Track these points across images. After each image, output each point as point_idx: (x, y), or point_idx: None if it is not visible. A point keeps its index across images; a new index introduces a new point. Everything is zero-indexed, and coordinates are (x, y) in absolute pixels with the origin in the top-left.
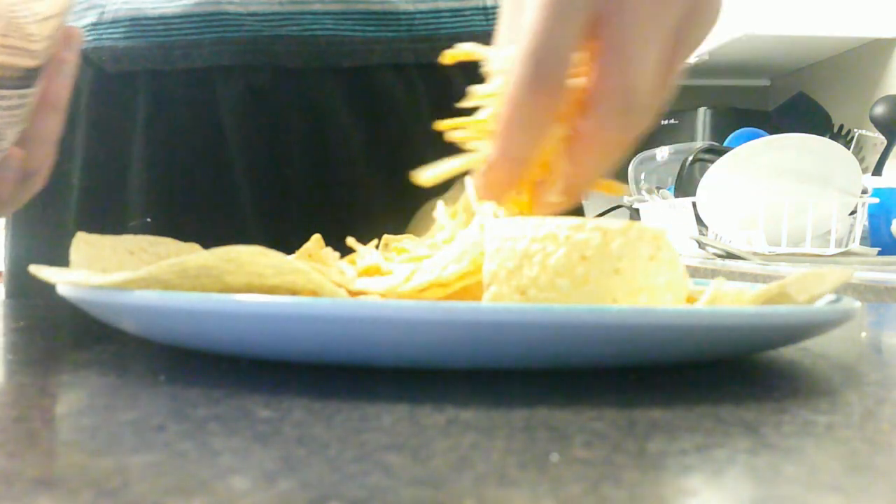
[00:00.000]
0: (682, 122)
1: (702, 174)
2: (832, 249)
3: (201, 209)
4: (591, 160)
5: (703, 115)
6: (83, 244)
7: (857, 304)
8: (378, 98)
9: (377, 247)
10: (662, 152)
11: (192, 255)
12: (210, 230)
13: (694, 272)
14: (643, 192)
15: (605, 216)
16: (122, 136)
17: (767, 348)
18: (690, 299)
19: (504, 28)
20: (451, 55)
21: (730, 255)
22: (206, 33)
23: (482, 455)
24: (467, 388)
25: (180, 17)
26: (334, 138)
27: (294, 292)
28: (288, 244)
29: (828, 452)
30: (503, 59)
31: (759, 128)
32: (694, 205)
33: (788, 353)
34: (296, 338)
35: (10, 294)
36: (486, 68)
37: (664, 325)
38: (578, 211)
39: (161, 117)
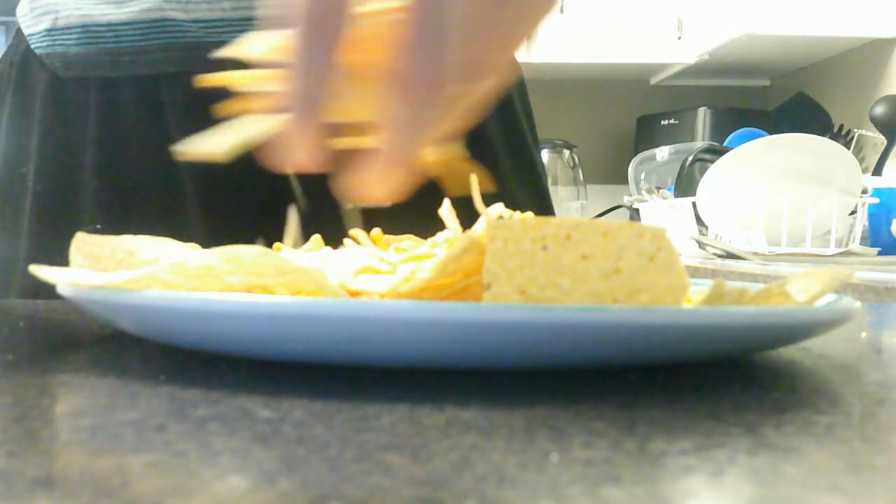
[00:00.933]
0: (682, 122)
1: (702, 174)
2: (832, 249)
3: (150, 215)
4: (412, 110)
5: (703, 115)
6: (83, 244)
7: (857, 304)
8: None
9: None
10: (662, 152)
11: (192, 256)
12: (161, 231)
13: (694, 272)
14: (643, 192)
15: (605, 216)
16: (74, 141)
17: (767, 348)
18: (688, 300)
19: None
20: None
21: (730, 255)
22: (152, 40)
23: (482, 455)
24: (467, 388)
25: (127, 24)
26: None
27: (294, 292)
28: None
29: (828, 452)
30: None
31: (759, 128)
32: (694, 205)
33: (788, 353)
34: (296, 338)
35: None
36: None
37: (664, 325)
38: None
39: (111, 123)
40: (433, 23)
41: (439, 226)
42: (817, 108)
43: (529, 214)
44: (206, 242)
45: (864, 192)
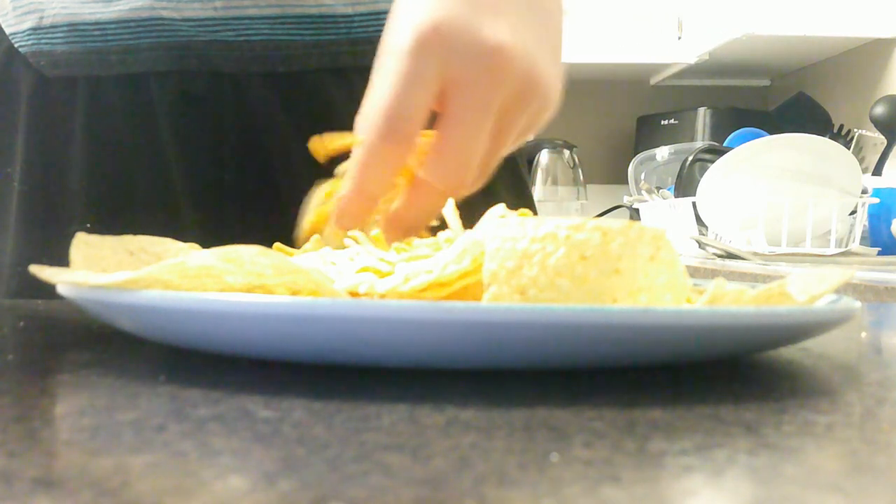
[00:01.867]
0: (682, 122)
1: (702, 174)
2: (832, 249)
3: (139, 215)
4: (419, 204)
5: (703, 115)
6: (83, 244)
7: (857, 304)
8: (316, 102)
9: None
10: (662, 152)
11: (192, 256)
12: (150, 234)
13: (694, 272)
14: (643, 192)
15: (605, 216)
16: (61, 141)
17: (767, 348)
18: (688, 300)
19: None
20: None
21: (730, 255)
22: (142, 39)
23: (482, 455)
24: (467, 388)
25: (116, 22)
26: (272, 143)
27: (294, 292)
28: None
29: (828, 452)
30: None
31: (759, 128)
32: (694, 205)
33: (788, 353)
34: (296, 338)
35: None
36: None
37: (664, 325)
38: None
39: (99, 122)
40: (464, 156)
41: (440, 226)
42: (817, 108)
43: (527, 212)
44: (199, 243)
45: (864, 192)
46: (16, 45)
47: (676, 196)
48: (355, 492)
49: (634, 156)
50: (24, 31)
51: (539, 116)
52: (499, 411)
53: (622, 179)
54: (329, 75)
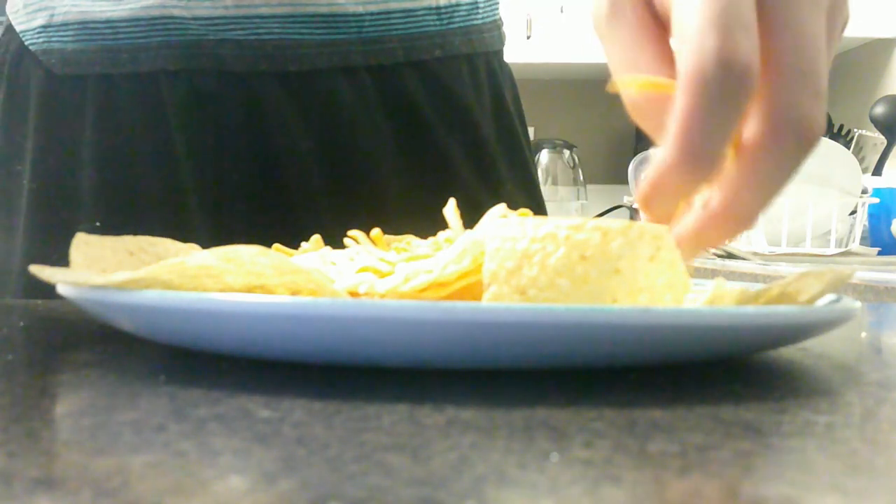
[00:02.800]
0: None
1: None
2: (832, 249)
3: (149, 213)
4: (765, 173)
5: None
6: (83, 244)
7: (857, 304)
8: (327, 102)
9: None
10: None
11: (192, 256)
12: (157, 234)
13: (694, 272)
14: None
15: (605, 216)
16: (71, 139)
17: (767, 348)
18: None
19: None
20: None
21: (730, 255)
22: (153, 37)
23: (482, 455)
24: (467, 388)
25: (127, 20)
26: (282, 143)
27: (294, 292)
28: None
29: (828, 452)
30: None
31: None
32: None
33: (788, 353)
34: (296, 338)
35: None
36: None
37: (664, 325)
38: None
39: (109, 121)
40: (815, 78)
41: (440, 225)
42: None
43: (527, 212)
44: (208, 242)
45: (864, 192)
46: (26, 43)
47: None
48: (355, 492)
49: (634, 156)
50: (34, 29)
51: (844, 27)
52: (499, 411)
53: (622, 179)
54: (340, 74)
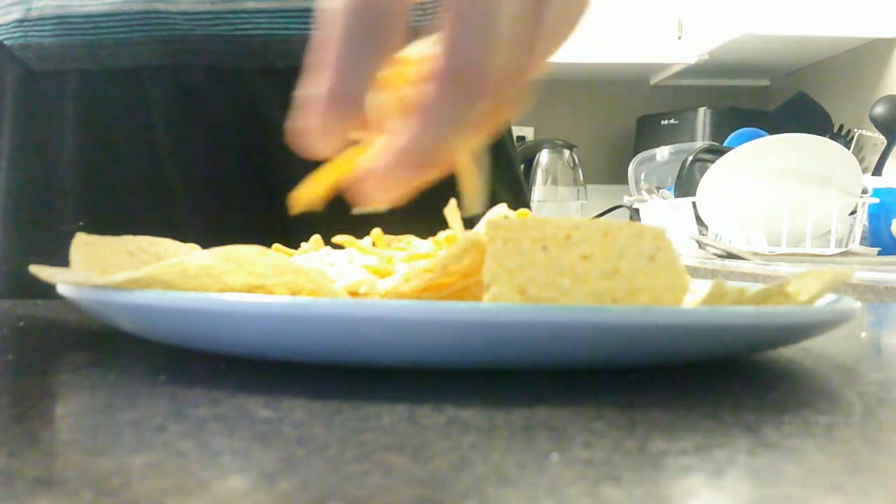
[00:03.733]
0: (682, 122)
1: (702, 174)
2: (832, 249)
3: (135, 212)
4: (431, 121)
5: (703, 115)
6: (83, 244)
7: (857, 304)
8: None
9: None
10: (662, 152)
11: (192, 256)
12: (144, 233)
13: (694, 272)
14: (643, 192)
15: (605, 216)
16: (51, 137)
17: (767, 348)
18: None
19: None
20: None
21: (730, 255)
22: (135, 32)
23: (482, 455)
24: (467, 388)
25: (108, 15)
26: (270, 140)
27: (294, 292)
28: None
29: (828, 452)
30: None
31: (759, 128)
32: (694, 205)
33: (788, 353)
34: (296, 338)
35: None
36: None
37: (664, 325)
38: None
39: (91, 118)
40: (480, 21)
41: (440, 225)
42: (817, 108)
43: (527, 212)
44: (195, 241)
45: (864, 192)
46: (1, 38)
47: (676, 196)
48: (355, 492)
49: (634, 156)
50: (9, 24)
51: (578, 9)
52: (499, 411)
53: (622, 179)
54: None
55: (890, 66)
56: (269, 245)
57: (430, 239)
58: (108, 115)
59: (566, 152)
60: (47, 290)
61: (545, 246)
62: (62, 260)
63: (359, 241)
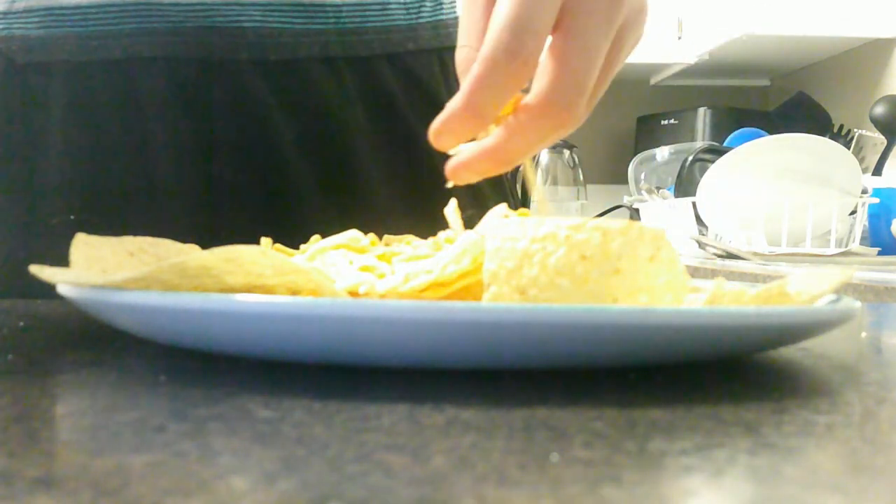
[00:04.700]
0: (682, 122)
1: (702, 174)
2: (832, 249)
3: (127, 205)
4: (524, 132)
5: (703, 115)
6: (83, 244)
7: (857, 304)
8: (307, 91)
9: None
10: (662, 152)
11: (192, 256)
12: (136, 227)
13: (694, 272)
14: (643, 192)
15: (605, 216)
16: (36, 131)
17: (767, 348)
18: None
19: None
20: None
21: (730, 255)
22: (126, 23)
23: (482, 455)
24: (467, 388)
25: (97, 6)
26: (263, 132)
27: (294, 292)
28: (218, 241)
29: (828, 452)
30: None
31: (759, 128)
32: (694, 205)
33: (788, 353)
34: (296, 338)
35: None
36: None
37: (664, 325)
38: (494, 187)
39: (78, 112)
40: (583, 73)
41: (440, 225)
42: (817, 108)
43: (527, 212)
44: (188, 239)
45: (864, 192)
46: None
47: (676, 196)
48: (355, 492)
49: (634, 156)
50: None
51: (636, 44)
52: (499, 411)
53: (622, 179)
54: (319, 64)
55: (890, 66)
56: (259, 239)
57: (430, 239)
58: (96, 108)
59: (566, 152)
60: (37, 290)
61: (545, 246)
62: (54, 257)
63: (349, 242)
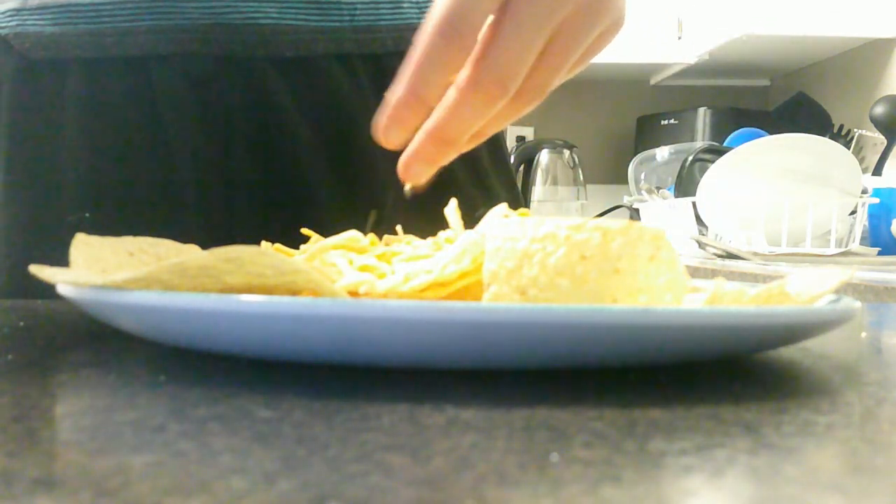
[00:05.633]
0: (682, 122)
1: (702, 174)
2: (832, 249)
3: (142, 204)
4: (461, 112)
5: (703, 115)
6: (83, 244)
7: (857, 304)
8: (323, 88)
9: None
10: (662, 152)
11: (192, 256)
12: (152, 226)
13: (694, 272)
14: (643, 192)
15: (605, 216)
16: (49, 129)
17: (767, 348)
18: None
19: None
20: None
21: (730, 255)
22: (141, 20)
23: (482, 455)
24: (467, 388)
25: (112, 3)
26: (279, 129)
27: (294, 292)
28: (233, 240)
29: (828, 452)
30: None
31: (759, 128)
32: (694, 205)
33: (788, 353)
34: (296, 338)
35: None
36: None
37: (664, 325)
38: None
39: (92, 108)
40: (522, 45)
41: (440, 225)
42: (817, 108)
43: (527, 212)
44: (203, 236)
45: (864, 192)
46: None
47: (676, 196)
48: (355, 492)
49: (634, 156)
50: (5, 12)
51: (606, 37)
52: (499, 411)
53: (622, 179)
54: (335, 61)
55: (890, 66)
56: (276, 234)
57: (430, 239)
58: (111, 106)
59: (566, 152)
60: (47, 290)
61: (545, 246)
62: (64, 256)
63: (349, 242)
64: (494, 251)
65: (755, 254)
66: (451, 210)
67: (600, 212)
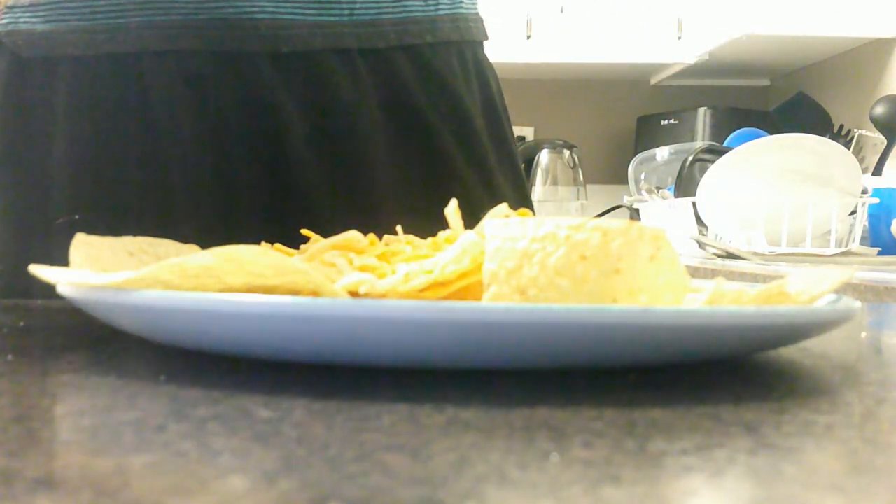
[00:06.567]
0: (682, 122)
1: (702, 174)
2: (832, 249)
3: (135, 204)
4: None
5: (703, 115)
6: (83, 244)
7: (857, 304)
8: (321, 84)
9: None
10: (662, 152)
11: (192, 256)
12: (145, 226)
13: (694, 272)
14: (643, 192)
15: (605, 216)
16: (41, 127)
17: (767, 348)
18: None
19: None
20: None
21: (730, 255)
22: (134, 16)
23: (482, 455)
24: (467, 388)
25: None
26: (276, 126)
27: (294, 292)
28: (229, 240)
29: (828, 452)
30: None
31: (759, 128)
32: (694, 205)
33: (788, 353)
34: (296, 338)
35: None
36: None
37: (664, 325)
38: None
39: (85, 107)
40: None
41: (440, 225)
42: (817, 108)
43: (527, 212)
44: (197, 236)
45: (864, 192)
46: None
47: (676, 196)
48: (355, 492)
49: (634, 156)
50: None
51: None
52: (499, 411)
53: (622, 179)
54: (334, 57)
55: (890, 66)
56: (274, 233)
57: (430, 239)
58: (105, 103)
59: (566, 152)
60: (43, 290)
61: (545, 246)
62: (59, 256)
63: (348, 242)
64: (494, 251)
65: (755, 254)
66: (452, 210)
67: (600, 212)
